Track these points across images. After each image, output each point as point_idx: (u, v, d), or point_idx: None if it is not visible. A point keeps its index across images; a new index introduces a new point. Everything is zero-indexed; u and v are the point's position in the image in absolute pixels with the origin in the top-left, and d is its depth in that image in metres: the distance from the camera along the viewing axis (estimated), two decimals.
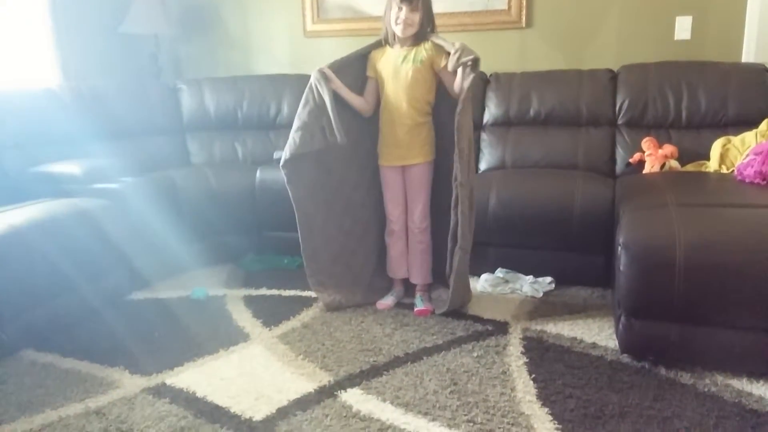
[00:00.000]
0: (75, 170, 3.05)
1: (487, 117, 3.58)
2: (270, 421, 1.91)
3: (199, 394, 2.08)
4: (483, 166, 3.50)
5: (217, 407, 2.00)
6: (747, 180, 2.59)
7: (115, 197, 2.97)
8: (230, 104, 4.04)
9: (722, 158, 2.94)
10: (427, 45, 2.60)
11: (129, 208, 2.96)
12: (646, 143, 3.15)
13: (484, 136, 3.56)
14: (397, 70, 2.62)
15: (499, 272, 3.02)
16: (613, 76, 3.44)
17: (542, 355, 2.27)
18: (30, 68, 3.75)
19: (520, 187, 3.01)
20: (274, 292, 3.02)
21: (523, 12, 3.74)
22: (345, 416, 1.91)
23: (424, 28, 2.62)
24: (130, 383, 2.17)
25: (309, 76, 2.62)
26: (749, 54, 3.39)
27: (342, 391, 2.07)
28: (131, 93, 3.92)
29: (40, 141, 3.33)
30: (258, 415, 1.94)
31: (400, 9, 2.55)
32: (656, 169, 3.03)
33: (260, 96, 4.02)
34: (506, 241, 3.00)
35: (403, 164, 2.71)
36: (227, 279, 3.24)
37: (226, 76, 4.18)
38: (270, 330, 2.58)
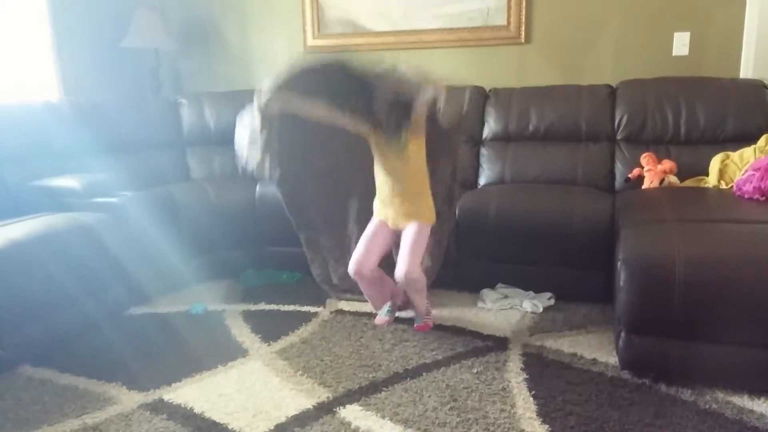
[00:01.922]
0: (75, 184, 3.05)
1: (487, 132, 3.59)
2: None
3: (196, 410, 2.06)
4: (482, 181, 3.51)
5: (214, 423, 1.98)
6: (746, 195, 2.59)
7: (115, 212, 2.96)
8: (230, 119, 3.96)
9: (721, 174, 2.94)
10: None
11: (129, 223, 2.96)
12: (645, 159, 3.16)
13: (483, 151, 3.56)
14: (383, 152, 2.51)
15: (499, 288, 3.01)
16: (611, 92, 3.45)
17: (542, 372, 2.26)
18: (30, 82, 3.77)
19: (519, 202, 3.01)
20: (273, 307, 3.01)
21: (522, 27, 3.76)
22: None
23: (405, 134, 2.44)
24: (127, 399, 2.16)
25: None
26: (747, 70, 3.41)
27: (341, 407, 2.06)
28: (131, 107, 3.93)
29: (40, 155, 3.34)
30: None
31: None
32: (655, 184, 3.03)
33: None
34: (506, 257, 3.00)
35: (398, 228, 2.57)
36: (226, 294, 3.23)
37: (227, 90, 4.19)
38: (269, 345, 2.57)
